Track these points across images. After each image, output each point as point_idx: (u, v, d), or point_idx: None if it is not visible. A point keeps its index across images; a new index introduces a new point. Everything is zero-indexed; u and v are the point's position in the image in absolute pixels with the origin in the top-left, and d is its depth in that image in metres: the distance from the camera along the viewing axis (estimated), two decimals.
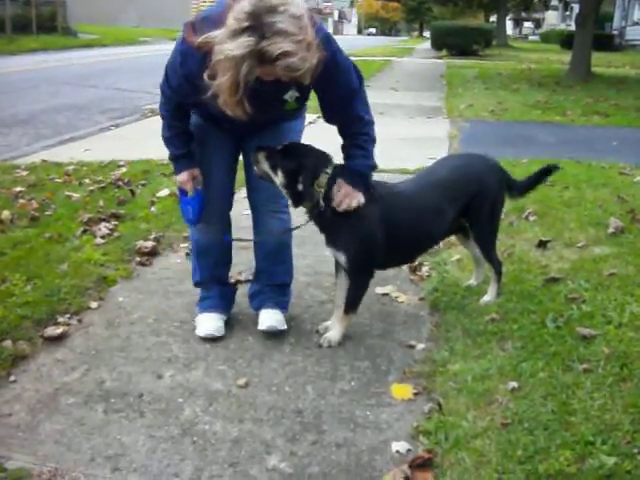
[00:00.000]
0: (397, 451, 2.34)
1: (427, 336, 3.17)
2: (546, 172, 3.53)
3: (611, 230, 4.41)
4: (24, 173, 5.96)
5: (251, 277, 3.44)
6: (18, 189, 5.29)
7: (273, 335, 3.13)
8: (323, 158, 2.86)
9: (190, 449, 2.36)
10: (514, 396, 2.58)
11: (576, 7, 24.65)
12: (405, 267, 3.93)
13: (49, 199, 5.08)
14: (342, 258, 2.96)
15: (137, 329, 3.22)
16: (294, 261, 3.32)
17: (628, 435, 2.31)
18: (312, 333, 3.19)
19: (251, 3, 2.23)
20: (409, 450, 2.34)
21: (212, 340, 3.09)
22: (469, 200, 3.16)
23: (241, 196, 4.37)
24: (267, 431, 2.46)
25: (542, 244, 4.20)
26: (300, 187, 2.81)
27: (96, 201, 5.03)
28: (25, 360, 2.92)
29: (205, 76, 2.34)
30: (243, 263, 3.77)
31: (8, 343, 2.96)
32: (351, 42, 40.95)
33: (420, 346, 3.05)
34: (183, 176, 2.94)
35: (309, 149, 2.89)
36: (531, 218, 4.73)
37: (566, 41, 29.49)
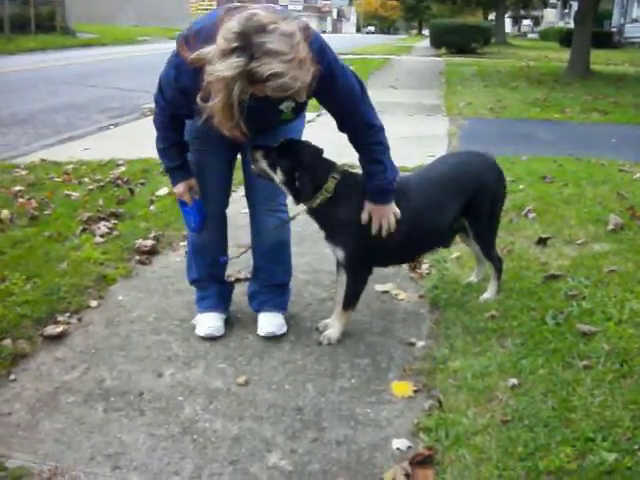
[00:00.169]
0: (397, 448, 2.34)
1: (427, 333, 3.17)
2: None
3: (611, 227, 4.41)
4: (23, 172, 5.96)
5: (249, 275, 3.44)
6: (17, 188, 5.29)
7: None
8: (325, 160, 2.87)
9: (190, 447, 2.36)
10: (514, 393, 2.58)
11: (575, 5, 24.66)
12: (405, 265, 3.93)
13: (48, 198, 5.08)
14: (340, 254, 2.97)
15: (137, 328, 3.22)
16: (293, 259, 3.31)
17: (628, 431, 2.31)
18: (312, 331, 3.19)
19: (240, 23, 2.19)
20: (409, 447, 2.34)
21: (212, 338, 3.09)
22: (469, 198, 3.16)
23: (239, 195, 4.37)
24: (267, 429, 2.46)
25: (542, 241, 4.20)
26: (297, 183, 2.81)
27: (95, 200, 5.03)
28: (25, 359, 2.91)
29: (198, 98, 2.32)
30: (241, 262, 3.77)
31: (8, 342, 2.96)
32: (350, 40, 40.94)
33: (420, 343, 3.05)
34: (179, 187, 2.94)
35: (306, 145, 2.89)
36: (530, 215, 4.73)
37: (565, 39, 29.50)
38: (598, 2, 17.63)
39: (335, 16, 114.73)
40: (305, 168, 2.80)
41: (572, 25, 20.21)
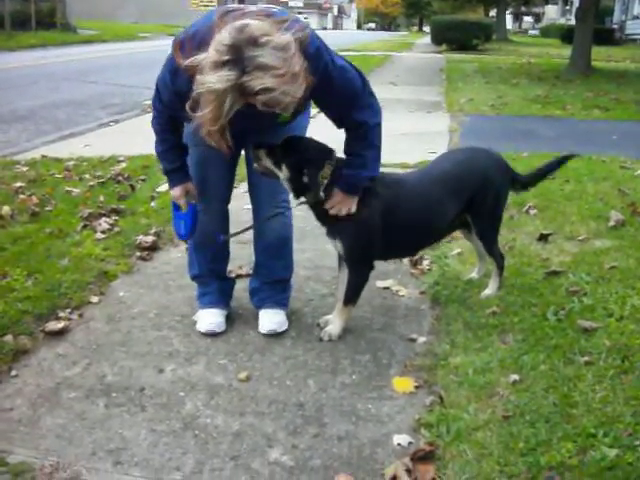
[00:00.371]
0: (399, 444, 2.34)
1: (428, 329, 3.17)
2: (553, 167, 3.53)
3: (612, 223, 4.41)
4: (24, 169, 5.96)
5: (251, 271, 3.44)
6: (18, 185, 5.29)
7: None
8: (325, 149, 2.86)
9: (191, 443, 2.36)
10: (515, 389, 2.58)
11: (576, 1, 24.65)
12: (406, 261, 3.93)
13: (49, 194, 5.08)
14: (342, 248, 2.96)
15: (138, 323, 3.22)
16: (294, 255, 3.31)
17: (630, 427, 2.31)
18: (313, 327, 3.19)
19: (231, 35, 2.16)
20: (411, 443, 2.34)
21: (213, 334, 3.09)
22: (472, 194, 3.16)
23: (240, 191, 4.37)
24: (268, 424, 2.46)
25: (543, 237, 4.20)
26: (306, 179, 2.80)
27: (96, 196, 5.03)
28: (26, 355, 2.92)
29: (187, 107, 2.30)
30: (243, 257, 3.77)
31: (9, 338, 2.96)
32: (350, 37, 40.91)
33: (421, 339, 3.05)
34: (176, 191, 2.94)
35: (309, 141, 2.88)
36: (532, 211, 4.73)
37: (566, 35, 29.45)
38: None
39: (336, 13, 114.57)
40: (313, 164, 2.79)
41: (573, 22, 20.18)
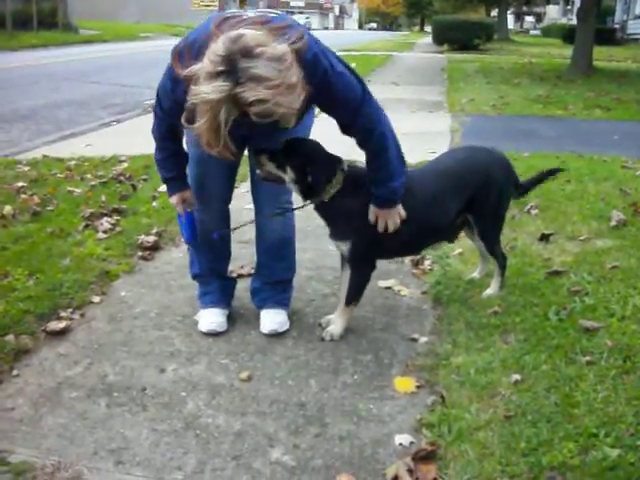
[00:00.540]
0: (400, 444, 2.34)
1: (430, 329, 3.17)
2: (548, 174, 3.54)
3: (613, 223, 4.41)
4: (26, 168, 5.96)
5: (252, 271, 3.44)
6: (20, 184, 5.29)
7: None
8: (329, 154, 2.85)
9: (193, 442, 2.36)
10: (517, 389, 2.58)
11: (577, 1, 24.64)
12: (407, 261, 3.94)
13: (51, 194, 5.08)
14: (345, 248, 2.96)
15: (139, 323, 3.22)
16: (296, 255, 3.31)
17: (631, 427, 2.31)
18: (315, 327, 3.19)
19: (225, 45, 2.14)
20: (412, 443, 2.34)
21: (214, 334, 3.09)
22: (474, 193, 3.15)
23: (241, 191, 4.37)
24: (270, 424, 2.46)
25: (544, 237, 4.20)
26: (309, 179, 2.79)
27: (98, 196, 5.03)
28: (28, 354, 2.92)
29: (182, 119, 2.30)
30: (244, 257, 3.77)
31: (11, 337, 2.96)
32: (352, 37, 40.91)
33: (423, 339, 3.05)
34: (173, 199, 2.96)
35: (310, 142, 2.89)
36: (533, 211, 4.73)
37: (567, 35, 29.43)
38: None
39: (337, 13, 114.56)
40: (316, 163, 2.80)
41: (575, 22, 20.18)
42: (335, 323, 3.10)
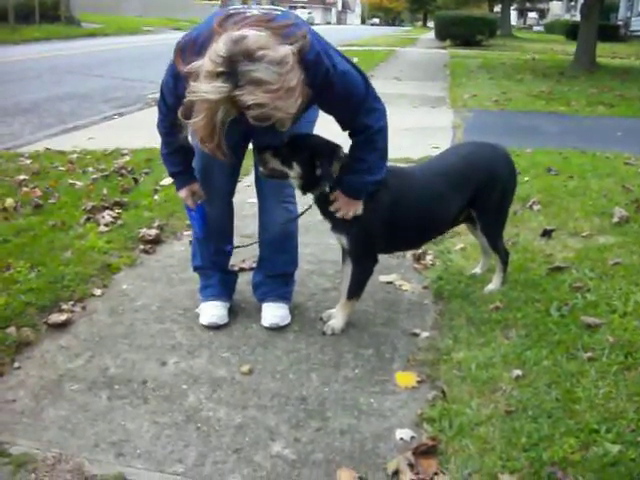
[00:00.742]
0: (401, 438, 2.34)
1: (431, 324, 3.17)
2: None
3: (616, 219, 4.40)
4: (28, 161, 5.97)
5: (254, 265, 3.44)
6: (22, 177, 5.29)
7: None
8: (333, 144, 2.84)
9: (194, 435, 2.36)
10: (518, 384, 2.58)
11: None
12: (409, 256, 3.93)
13: (53, 187, 5.08)
14: (347, 241, 2.96)
15: (141, 316, 3.22)
16: (298, 249, 3.31)
17: (632, 423, 2.31)
18: (316, 321, 3.19)
19: (227, 46, 2.12)
20: (413, 437, 2.34)
21: (216, 327, 3.09)
22: (477, 189, 3.14)
23: (244, 185, 4.37)
24: (271, 418, 2.46)
25: (547, 233, 4.19)
26: (319, 172, 2.78)
27: (100, 189, 5.03)
28: (29, 347, 2.92)
29: (179, 114, 2.29)
30: (246, 251, 3.77)
31: (12, 330, 2.96)
32: (354, 32, 40.84)
33: (424, 334, 3.05)
34: (182, 193, 2.96)
35: (312, 135, 2.88)
36: (535, 207, 4.72)
37: (571, 31, 29.42)
38: None
39: (340, 8, 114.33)
40: (323, 156, 2.78)
41: (578, 18, 20.14)
42: (336, 317, 3.10)
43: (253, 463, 2.23)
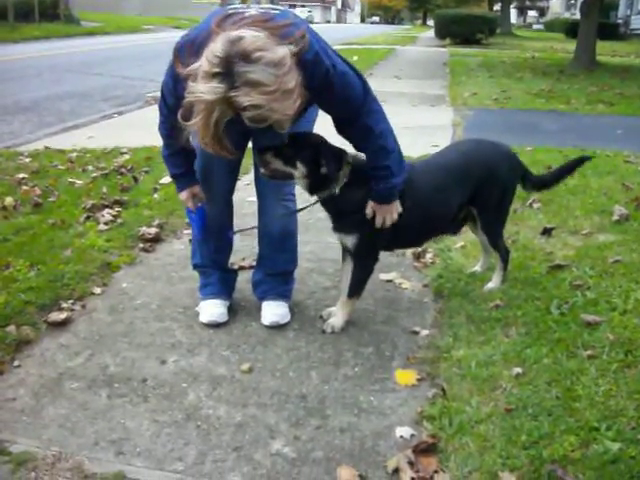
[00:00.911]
0: (401, 436, 2.34)
1: (431, 322, 3.17)
2: (569, 170, 3.52)
3: (616, 218, 4.40)
4: (27, 160, 5.97)
5: (254, 263, 3.44)
6: (21, 176, 5.30)
7: None
8: (336, 147, 2.84)
9: (194, 434, 2.36)
10: (518, 382, 2.58)
11: None
12: (409, 254, 3.93)
13: (52, 186, 5.08)
14: (350, 241, 2.95)
15: (141, 315, 3.22)
16: (298, 247, 3.30)
17: (633, 421, 2.31)
18: (316, 319, 3.19)
19: (224, 47, 2.11)
20: (413, 435, 2.34)
21: (215, 326, 3.09)
22: (477, 186, 3.14)
23: (244, 183, 4.37)
24: (271, 416, 2.46)
25: (547, 231, 4.19)
26: (324, 170, 2.77)
27: (99, 188, 5.03)
28: (29, 345, 2.92)
29: (179, 116, 2.28)
30: (246, 249, 3.77)
31: (12, 328, 2.96)
32: (354, 31, 40.81)
33: (424, 332, 3.05)
34: (183, 195, 2.96)
35: (314, 134, 2.88)
36: (535, 205, 4.72)
37: (570, 30, 29.42)
38: None
39: (339, 6, 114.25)
40: (328, 154, 2.77)
41: (578, 16, 20.13)
42: (336, 315, 3.10)
43: (253, 461, 2.23)
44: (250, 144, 2.98)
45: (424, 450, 2.23)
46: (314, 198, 2.95)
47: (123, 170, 5.61)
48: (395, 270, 3.73)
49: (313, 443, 2.32)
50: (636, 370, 2.62)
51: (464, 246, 3.97)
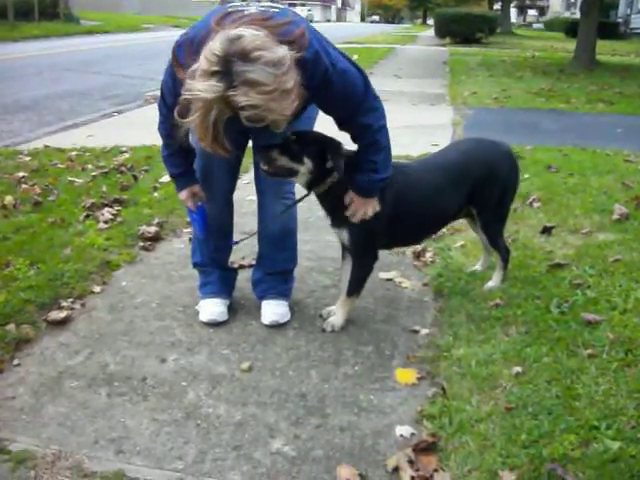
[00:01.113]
0: (401, 435, 2.34)
1: (431, 321, 3.16)
2: None
3: (616, 216, 4.39)
4: (27, 159, 5.96)
5: (254, 262, 3.43)
6: (21, 174, 5.29)
7: None
8: (336, 139, 2.83)
9: (194, 432, 2.36)
10: (518, 381, 2.58)
11: None
12: (409, 253, 3.93)
13: (52, 184, 5.08)
14: (348, 239, 2.95)
15: (140, 313, 3.22)
16: (298, 246, 3.30)
17: (633, 420, 2.31)
18: (315, 318, 3.19)
19: (222, 45, 2.10)
20: (413, 434, 2.34)
21: (215, 324, 3.09)
22: (477, 185, 3.14)
23: (243, 182, 4.37)
24: (271, 415, 2.46)
25: (547, 230, 4.19)
26: (330, 164, 2.76)
27: (99, 186, 5.03)
28: (29, 344, 2.92)
29: (175, 113, 2.27)
30: (246, 247, 3.76)
31: (12, 327, 2.96)
32: (354, 30, 40.79)
33: (424, 331, 3.05)
34: (183, 194, 2.95)
35: (316, 131, 2.88)
36: (535, 204, 4.71)
37: (570, 29, 29.40)
38: None
39: (339, 5, 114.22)
40: (334, 149, 2.77)
41: (578, 15, 20.11)
42: (336, 314, 3.10)
43: (253, 460, 2.23)
44: (250, 143, 2.98)
45: (424, 449, 2.23)
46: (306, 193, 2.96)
47: (123, 169, 5.60)
48: (395, 269, 3.73)
49: (313, 442, 2.32)
50: (636, 369, 2.62)
51: (464, 245, 3.97)
